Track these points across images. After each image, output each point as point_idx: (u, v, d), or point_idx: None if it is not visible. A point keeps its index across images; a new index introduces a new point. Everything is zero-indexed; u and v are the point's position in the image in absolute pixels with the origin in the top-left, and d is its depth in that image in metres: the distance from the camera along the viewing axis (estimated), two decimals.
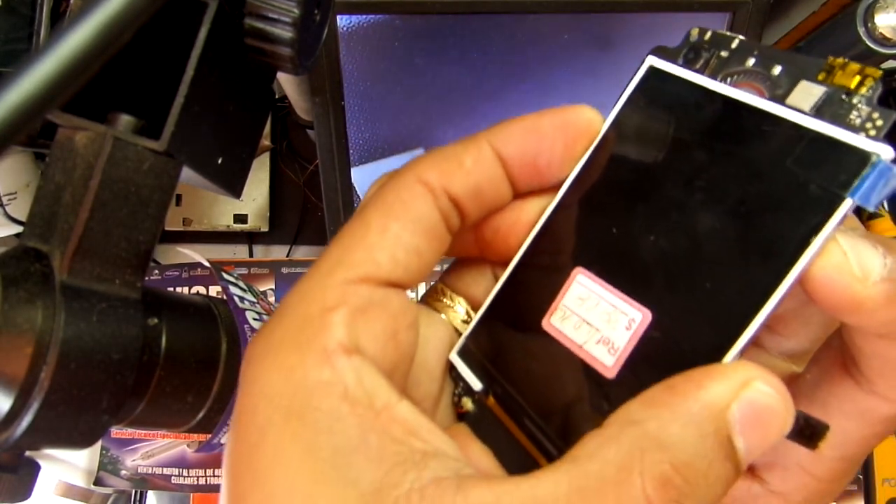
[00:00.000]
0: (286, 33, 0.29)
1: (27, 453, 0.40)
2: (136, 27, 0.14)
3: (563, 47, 0.46)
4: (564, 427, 0.16)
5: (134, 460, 0.54)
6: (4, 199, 0.53)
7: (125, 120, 0.27)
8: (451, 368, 0.19)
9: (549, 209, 0.19)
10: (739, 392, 0.14)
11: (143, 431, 0.54)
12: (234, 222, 0.64)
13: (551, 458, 0.15)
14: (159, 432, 0.54)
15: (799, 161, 0.15)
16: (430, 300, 0.20)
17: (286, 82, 0.49)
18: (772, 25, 0.54)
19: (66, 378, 0.24)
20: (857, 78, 0.15)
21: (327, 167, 0.50)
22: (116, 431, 0.54)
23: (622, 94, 0.19)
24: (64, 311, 0.24)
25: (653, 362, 0.15)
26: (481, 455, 0.18)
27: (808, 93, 0.15)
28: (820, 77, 0.15)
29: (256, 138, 0.36)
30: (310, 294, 0.16)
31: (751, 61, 0.16)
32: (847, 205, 0.14)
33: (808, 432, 0.15)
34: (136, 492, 0.55)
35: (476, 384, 0.19)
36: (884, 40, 0.43)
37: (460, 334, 0.20)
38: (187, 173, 0.29)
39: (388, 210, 0.17)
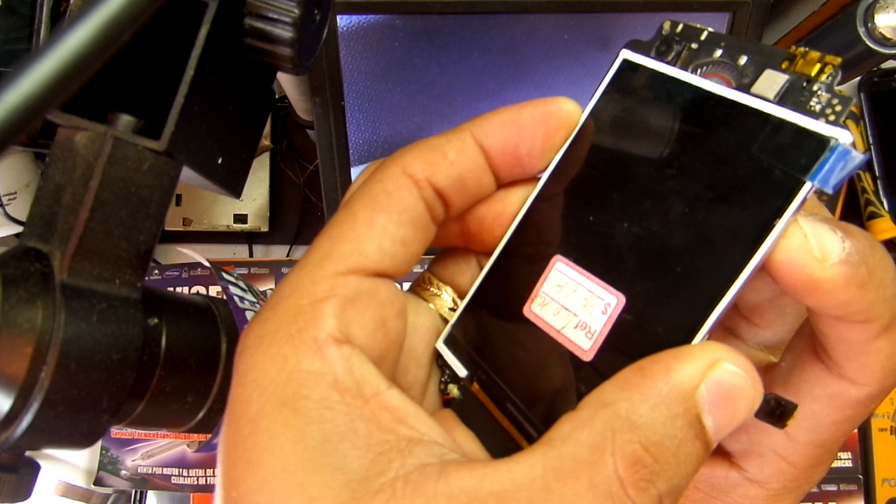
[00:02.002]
0: (286, 33, 0.29)
1: (27, 453, 0.40)
2: (136, 27, 0.14)
3: (563, 47, 0.46)
4: (545, 410, 0.17)
5: (134, 460, 0.54)
6: (4, 199, 0.53)
7: (125, 120, 0.27)
8: (438, 356, 0.20)
9: (529, 199, 0.19)
10: (707, 372, 0.14)
11: (143, 431, 0.54)
12: (234, 222, 0.64)
13: (532, 441, 0.15)
14: (159, 432, 0.54)
15: (763, 147, 0.15)
16: (418, 289, 0.21)
17: (286, 82, 0.49)
18: (772, 25, 0.54)
19: (66, 378, 0.24)
20: (818, 66, 0.15)
21: (327, 167, 0.50)
22: (116, 431, 0.54)
23: (599, 85, 0.19)
24: (64, 311, 0.24)
25: (627, 345, 0.16)
26: (466, 440, 0.18)
27: (772, 81, 0.16)
28: (783, 66, 0.16)
29: (256, 138, 0.36)
30: (301, 286, 0.16)
31: (718, 52, 0.17)
32: (807, 188, 0.14)
33: (777, 412, 0.15)
34: (136, 492, 0.55)
35: (461, 371, 0.19)
36: (884, 40, 0.43)
37: (447, 322, 0.20)
38: (187, 173, 0.29)
39: (374, 202, 0.17)
